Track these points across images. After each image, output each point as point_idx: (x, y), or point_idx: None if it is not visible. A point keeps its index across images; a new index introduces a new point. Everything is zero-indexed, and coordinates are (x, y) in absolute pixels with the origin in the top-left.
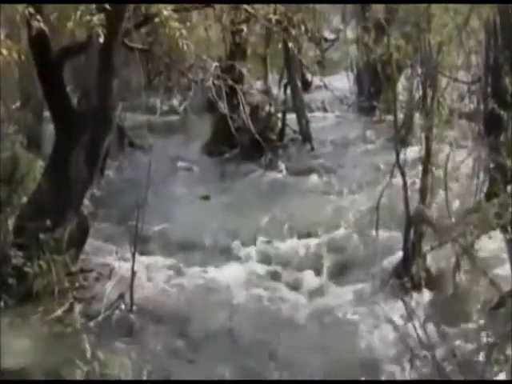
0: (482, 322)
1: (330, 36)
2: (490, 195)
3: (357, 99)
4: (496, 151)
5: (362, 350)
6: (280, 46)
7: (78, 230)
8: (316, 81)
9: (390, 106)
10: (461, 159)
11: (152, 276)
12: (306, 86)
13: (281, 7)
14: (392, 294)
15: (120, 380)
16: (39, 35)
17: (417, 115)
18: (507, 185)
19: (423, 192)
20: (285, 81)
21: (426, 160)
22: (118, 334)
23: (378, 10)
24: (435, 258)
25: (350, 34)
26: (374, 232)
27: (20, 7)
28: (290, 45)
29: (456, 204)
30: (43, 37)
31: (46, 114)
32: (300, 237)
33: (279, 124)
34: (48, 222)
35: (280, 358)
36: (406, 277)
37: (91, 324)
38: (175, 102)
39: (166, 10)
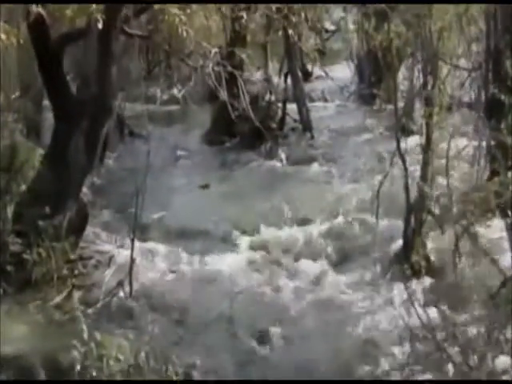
0: (482, 308)
1: (330, 27)
2: (492, 174)
3: (357, 88)
4: (497, 131)
5: (362, 335)
6: (280, 33)
7: (77, 217)
8: (316, 71)
9: (391, 94)
10: (461, 147)
11: (151, 264)
12: (307, 76)
13: None
14: (392, 281)
15: (121, 380)
16: (38, 21)
17: (417, 104)
18: (508, 164)
19: (423, 178)
20: (285, 70)
21: (427, 147)
22: (117, 321)
23: None
24: (436, 245)
25: (351, 22)
26: (374, 220)
27: None
28: (291, 32)
29: (457, 191)
30: (42, 23)
31: (46, 103)
32: (300, 225)
33: (279, 113)
34: (47, 209)
35: (281, 345)
36: (406, 264)
37: (90, 311)
38: (175, 91)
39: None
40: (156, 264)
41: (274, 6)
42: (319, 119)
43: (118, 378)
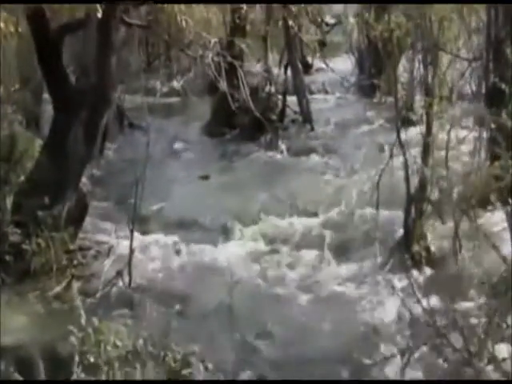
0: (482, 297)
1: (330, 21)
2: (494, 159)
3: (357, 80)
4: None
5: (362, 324)
6: (280, 24)
7: (76, 207)
8: (317, 63)
9: (391, 85)
10: (461, 138)
11: (151, 254)
12: (307, 68)
13: None
14: (393, 272)
15: (123, 380)
16: (37, 12)
17: (417, 96)
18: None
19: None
20: (285, 61)
21: (427, 137)
22: (116, 310)
23: None
24: (436, 236)
25: (352, 14)
26: (374, 210)
27: None
28: (291, 23)
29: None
30: (41, 13)
31: (45, 95)
32: (300, 215)
33: (279, 104)
34: (46, 200)
35: (280, 334)
36: (406, 254)
37: (89, 301)
38: (175, 83)
39: None
40: (155, 254)
41: None
42: (319, 111)
43: (116, 364)
